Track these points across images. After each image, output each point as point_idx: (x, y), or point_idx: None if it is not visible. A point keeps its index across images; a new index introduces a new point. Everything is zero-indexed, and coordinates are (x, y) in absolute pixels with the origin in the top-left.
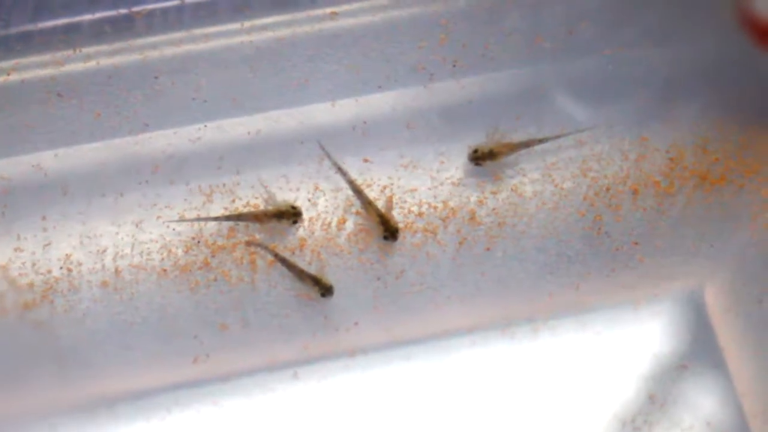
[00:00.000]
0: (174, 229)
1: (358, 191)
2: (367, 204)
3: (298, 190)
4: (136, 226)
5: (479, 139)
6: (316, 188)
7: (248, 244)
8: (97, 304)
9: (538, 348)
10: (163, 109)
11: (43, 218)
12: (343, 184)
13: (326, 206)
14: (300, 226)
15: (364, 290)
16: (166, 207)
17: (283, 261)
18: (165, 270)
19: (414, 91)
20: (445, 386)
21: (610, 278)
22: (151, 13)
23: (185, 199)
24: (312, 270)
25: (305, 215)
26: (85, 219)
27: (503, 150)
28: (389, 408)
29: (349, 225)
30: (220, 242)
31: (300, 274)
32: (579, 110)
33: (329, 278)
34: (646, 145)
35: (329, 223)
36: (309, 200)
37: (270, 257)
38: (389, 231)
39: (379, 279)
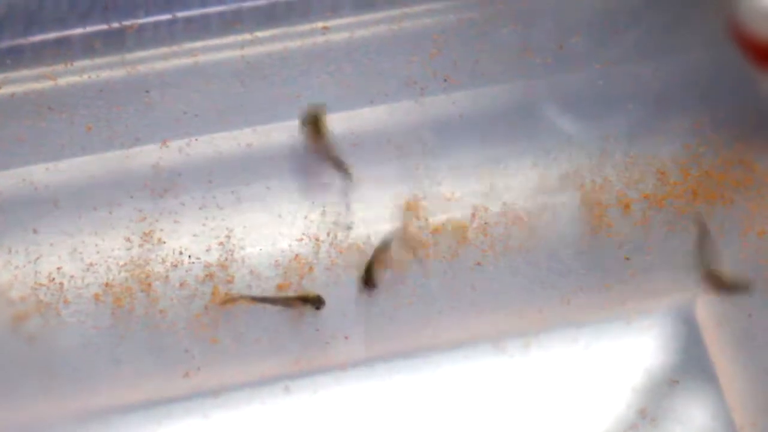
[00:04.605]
0: (165, 243)
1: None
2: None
3: (288, 203)
4: (127, 239)
5: (470, 152)
6: (308, 202)
7: (224, 303)
8: (87, 317)
9: (530, 362)
10: (153, 123)
11: (34, 232)
12: (335, 199)
13: (317, 220)
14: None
15: (355, 304)
16: (156, 221)
17: (264, 300)
18: (155, 284)
19: (405, 105)
20: (436, 400)
21: (601, 293)
22: (142, 27)
23: (176, 213)
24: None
25: (296, 224)
26: (75, 232)
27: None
28: (380, 422)
29: (341, 238)
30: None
31: (285, 303)
32: (570, 125)
33: (314, 291)
34: (636, 160)
35: (321, 237)
36: (304, 216)
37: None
38: (368, 280)
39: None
